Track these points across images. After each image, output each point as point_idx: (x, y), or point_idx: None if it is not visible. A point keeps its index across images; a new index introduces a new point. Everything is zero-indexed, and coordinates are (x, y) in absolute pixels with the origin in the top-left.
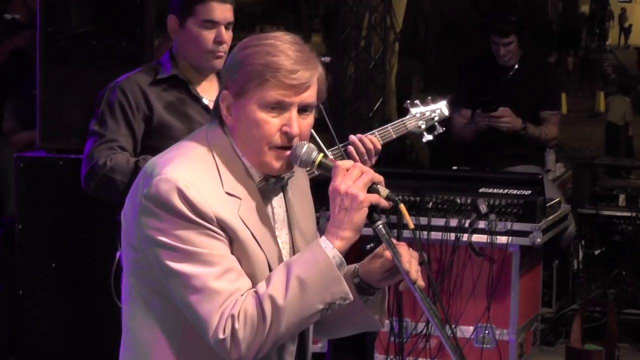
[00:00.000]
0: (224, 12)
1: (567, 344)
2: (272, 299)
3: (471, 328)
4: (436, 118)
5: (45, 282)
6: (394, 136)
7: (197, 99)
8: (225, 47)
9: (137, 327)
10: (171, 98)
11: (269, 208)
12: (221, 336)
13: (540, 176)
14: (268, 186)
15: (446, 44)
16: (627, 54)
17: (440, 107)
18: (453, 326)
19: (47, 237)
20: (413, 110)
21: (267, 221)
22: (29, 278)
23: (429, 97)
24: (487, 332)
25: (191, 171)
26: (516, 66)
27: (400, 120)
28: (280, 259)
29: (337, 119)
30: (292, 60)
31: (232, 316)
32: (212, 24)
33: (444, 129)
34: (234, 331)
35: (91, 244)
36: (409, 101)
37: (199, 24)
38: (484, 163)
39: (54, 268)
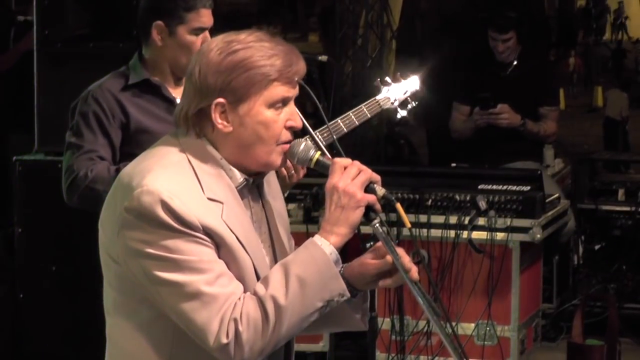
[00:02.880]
0: (210, 17)
1: (568, 340)
2: (274, 300)
3: (472, 325)
4: (407, 93)
5: (46, 285)
6: (369, 115)
7: (171, 101)
8: None
9: (123, 340)
10: (144, 102)
11: (249, 208)
12: (224, 341)
13: (539, 172)
14: (247, 186)
15: (443, 41)
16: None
17: (411, 81)
18: (454, 323)
19: (46, 240)
20: (384, 88)
21: (249, 223)
22: (29, 281)
23: (398, 73)
24: (488, 328)
25: (172, 180)
26: (515, 62)
27: (373, 99)
28: (264, 260)
29: (335, 118)
30: (289, 55)
31: (235, 319)
32: (202, 30)
33: (416, 102)
34: (237, 334)
35: (91, 246)
36: (379, 79)
37: (190, 31)
38: (483, 160)
39: (54, 271)
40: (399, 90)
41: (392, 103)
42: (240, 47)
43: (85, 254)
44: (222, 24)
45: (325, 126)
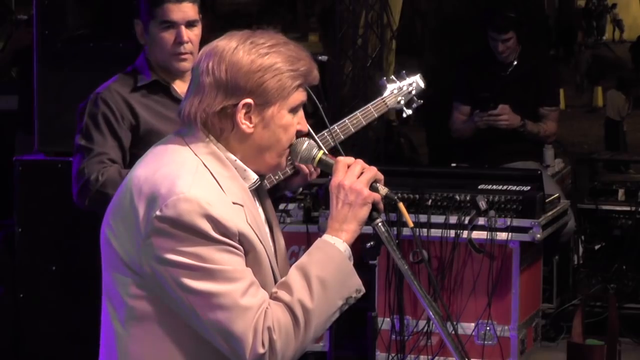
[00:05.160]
0: (181, 12)
1: (568, 339)
2: (301, 304)
3: (472, 325)
4: (413, 91)
5: (46, 285)
6: (376, 115)
7: (179, 101)
8: (188, 47)
9: (142, 351)
10: (153, 103)
11: (257, 208)
12: (261, 351)
13: (539, 172)
14: (255, 187)
15: (443, 41)
16: (623, 48)
17: (416, 80)
18: (455, 323)
19: (46, 240)
20: (390, 87)
21: (262, 222)
22: (29, 281)
23: (403, 72)
24: (488, 328)
25: (203, 187)
26: (515, 62)
27: (380, 98)
28: (274, 258)
29: (335, 118)
30: (310, 60)
31: (269, 328)
32: (170, 24)
33: (421, 101)
34: (272, 343)
35: (91, 246)
36: (385, 78)
37: (158, 26)
38: (483, 160)
39: (54, 271)
40: (404, 89)
41: (399, 102)
42: (269, 50)
43: (85, 254)
44: (222, 24)
45: (333, 126)
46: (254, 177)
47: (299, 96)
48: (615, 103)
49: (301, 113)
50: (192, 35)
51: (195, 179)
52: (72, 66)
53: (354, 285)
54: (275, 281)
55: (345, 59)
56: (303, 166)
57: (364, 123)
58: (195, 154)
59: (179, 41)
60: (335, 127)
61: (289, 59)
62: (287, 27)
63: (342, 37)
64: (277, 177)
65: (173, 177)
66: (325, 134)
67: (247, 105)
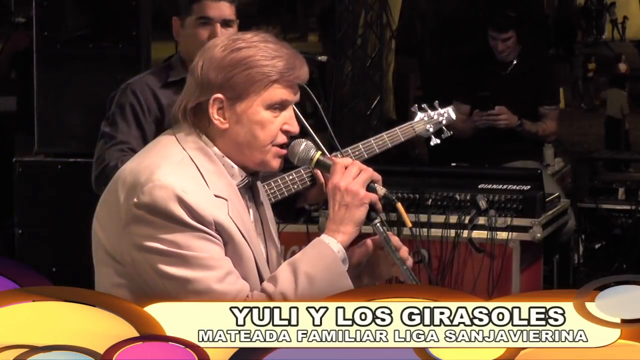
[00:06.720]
0: (218, 10)
1: None
2: (283, 296)
3: None
4: (444, 122)
5: None
6: (402, 139)
7: None
8: None
9: None
10: None
11: (247, 207)
12: None
13: (539, 171)
14: (245, 185)
15: (443, 41)
16: (624, 47)
17: (447, 111)
18: None
19: (46, 240)
20: (420, 114)
21: (249, 220)
22: None
23: (436, 102)
24: None
25: (181, 176)
26: (515, 62)
27: (409, 123)
28: (264, 258)
29: (334, 118)
30: (292, 59)
31: None
32: (207, 20)
33: (451, 132)
34: None
35: (91, 247)
36: (416, 105)
37: (195, 21)
38: (483, 159)
39: (54, 272)
40: (435, 118)
41: (428, 130)
42: (245, 45)
43: (85, 254)
44: None
45: (356, 145)
46: (240, 174)
47: (277, 93)
48: (616, 101)
49: (288, 113)
50: (227, 34)
51: (176, 169)
52: (72, 67)
53: (345, 287)
54: (261, 282)
55: (345, 59)
56: (320, 176)
57: (390, 145)
58: (184, 149)
59: (213, 38)
60: (360, 146)
61: (264, 55)
62: (287, 27)
63: (342, 37)
64: (294, 188)
65: (153, 166)
66: (349, 150)
67: (218, 100)
